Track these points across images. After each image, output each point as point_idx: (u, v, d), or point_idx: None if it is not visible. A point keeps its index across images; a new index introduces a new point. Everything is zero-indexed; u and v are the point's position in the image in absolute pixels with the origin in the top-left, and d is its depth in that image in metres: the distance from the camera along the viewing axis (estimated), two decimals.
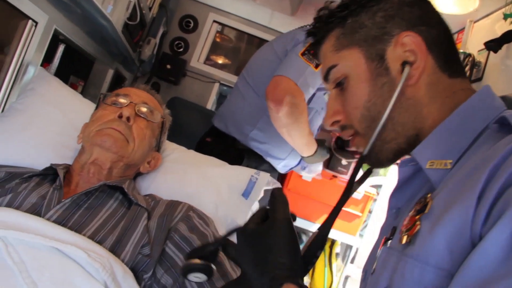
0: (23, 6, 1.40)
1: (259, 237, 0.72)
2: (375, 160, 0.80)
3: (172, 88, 3.29)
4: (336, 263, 3.00)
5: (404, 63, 0.74)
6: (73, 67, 2.34)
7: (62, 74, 1.84)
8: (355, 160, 2.72)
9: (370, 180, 2.89)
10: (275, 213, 0.74)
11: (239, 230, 0.75)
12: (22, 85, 1.56)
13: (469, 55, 1.87)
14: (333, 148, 1.86)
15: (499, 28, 1.77)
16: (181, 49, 3.30)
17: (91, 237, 0.97)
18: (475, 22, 2.00)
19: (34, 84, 1.46)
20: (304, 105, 1.63)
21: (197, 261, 0.78)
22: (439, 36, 0.77)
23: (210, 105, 3.31)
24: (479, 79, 1.80)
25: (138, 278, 0.96)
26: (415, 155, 0.73)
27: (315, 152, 1.85)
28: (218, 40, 3.52)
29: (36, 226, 0.90)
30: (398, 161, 0.82)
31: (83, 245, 0.90)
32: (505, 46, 1.65)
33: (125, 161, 1.19)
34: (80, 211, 1.03)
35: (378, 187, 2.89)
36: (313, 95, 1.76)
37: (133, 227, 1.03)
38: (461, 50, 1.90)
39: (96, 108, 1.33)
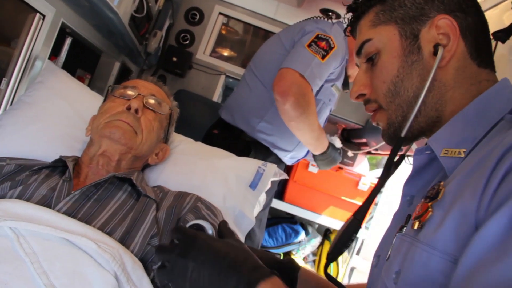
0: (31, 0, 1.40)
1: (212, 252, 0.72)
2: (394, 136, 0.82)
3: (178, 81, 3.29)
4: (342, 254, 3.01)
5: (437, 45, 0.76)
6: (80, 60, 2.34)
7: (69, 67, 1.84)
8: (361, 152, 2.73)
9: (376, 172, 2.89)
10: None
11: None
12: (30, 78, 1.56)
13: None
14: (339, 139, 1.86)
15: (508, 18, 1.75)
16: (187, 42, 3.29)
17: (101, 229, 0.98)
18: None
19: (42, 77, 1.47)
20: (311, 96, 1.63)
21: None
22: (475, 25, 0.78)
23: (216, 97, 3.31)
24: None
25: (147, 268, 0.97)
26: (430, 143, 0.75)
27: (327, 149, 1.84)
28: (223, 32, 3.51)
29: (47, 218, 0.91)
30: (413, 149, 0.84)
31: (93, 236, 0.91)
32: None
33: (134, 152, 1.20)
34: (90, 202, 1.04)
35: None
36: (321, 87, 1.76)
37: (142, 218, 1.04)
38: None
39: (104, 100, 1.33)
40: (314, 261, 3.13)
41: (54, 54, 1.82)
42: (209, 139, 1.93)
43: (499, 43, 1.71)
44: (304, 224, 3.09)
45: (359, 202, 2.72)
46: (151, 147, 1.27)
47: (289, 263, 0.97)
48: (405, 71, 0.78)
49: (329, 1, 2.62)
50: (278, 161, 1.93)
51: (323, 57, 1.63)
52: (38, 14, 1.49)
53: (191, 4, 3.28)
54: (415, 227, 0.66)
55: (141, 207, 1.08)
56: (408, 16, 0.80)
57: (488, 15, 2.00)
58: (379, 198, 2.92)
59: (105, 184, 1.11)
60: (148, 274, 0.95)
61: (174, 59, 3.20)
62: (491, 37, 1.69)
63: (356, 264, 2.95)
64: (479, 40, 0.78)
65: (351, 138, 2.90)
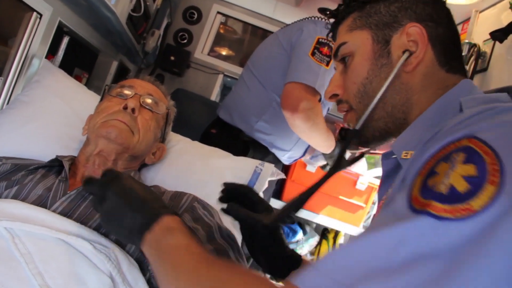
0: None
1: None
2: (362, 136, 0.86)
3: (176, 80, 3.29)
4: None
5: (406, 51, 0.80)
6: (77, 59, 2.34)
7: (67, 66, 1.84)
8: (359, 151, 2.73)
9: (374, 171, 2.89)
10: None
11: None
12: (27, 77, 1.56)
13: (474, 45, 1.84)
14: (336, 139, 1.87)
15: (505, 17, 1.75)
16: (185, 41, 3.29)
17: (96, 229, 0.97)
18: (480, 12, 1.97)
19: (39, 76, 1.47)
20: (319, 107, 1.65)
21: None
22: (445, 35, 0.82)
23: (214, 96, 3.31)
24: (485, 69, 1.78)
25: (143, 269, 0.97)
26: (393, 146, 0.80)
27: (335, 147, 1.87)
28: (222, 31, 3.51)
29: (42, 218, 0.91)
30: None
31: (88, 237, 0.91)
32: (511, 36, 1.63)
33: (130, 152, 1.19)
34: (85, 202, 1.04)
35: None
36: None
37: None
38: (466, 40, 1.87)
39: (101, 99, 1.33)
40: (311, 260, 3.14)
41: (51, 53, 1.81)
42: (207, 139, 1.93)
43: (497, 43, 1.72)
44: (302, 224, 3.09)
45: (357, 201, 2.72)
46: (148, 146, 1.26)
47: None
48: (374, 73, 0.82)
49: (327, 1, 2.62)
50: (276, 161, 1.93)
51: (328, 63, 1.64)
52: (35, 13, 1.49)
53: (189, 3, 3.28)
54: None
55: None
56: (382, 22, 0.84)
57: (486, 15, 2.00)
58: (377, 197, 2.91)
59: None
60: (144, 275, 0.95)
61: (172, 58, 3.20)
62: (489, 36, 1.69)
63: None
64: (448, 49, 0.82)
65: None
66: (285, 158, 1.97)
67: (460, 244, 0.48)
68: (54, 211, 0.98)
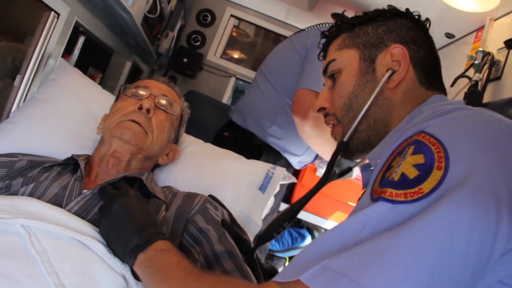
0: None
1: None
2: (346, 147, 0.92)
3: (189, 82, 3.30)
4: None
5: (389, 70, 0.88)
6: (92, 59, 2.35)
7: (82, 65, 1.85)
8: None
9: None
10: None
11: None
12: (44, 76, 1.57)
13: (488, 53, 1.83)
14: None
15: None
16: (198, 43, 3.30)
17: None
18: (495, 20, 1.96)
19: (55, 75, 1.48)
20: None
21: None
22: (426, 58, 0.91)
23: (226, 99, 3.31)
24: (498, 78, 1.76)
25: None
26: (369, 157, 0.90)
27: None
28: (234, 34, 3.51)
29: (58, 217, 0.91)
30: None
31: (101, 239, 0.91)
32: None
33: (144, 153, 1.20)
34: (99, 205, 1.04)
35: None
36: None
37: None
38: (480, 49, 1.86)
39: (116, 99, 1.34)
40: None
41: (67, 53, 1.83)
42: (220, 141, 1.92)
43: (511, 52, 1.70)
44: (311, 229, 3.08)
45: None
46: (162, 147, 1.27)
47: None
48: (359, 88, 0.90)
49: (339, 6, 2.62)
50: (288, 165, 1.93)
51: None
52: (52, 13, 1.50)
53: (203, 5, 3.29)
54: None
55: (151, 208, 1.07)
56: (369, 43, 0.92)
57: (500, 23, 1.98)
58: None
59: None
60: None
61: (185, 60, 3.21)
62: (503, 44, 1.68)
63: None
64: (429, 70, 0.90)
65: None
66: (296, 162, 1.97)
67: (411, 218, 0.57)
68: (69, 210, 0.99)
